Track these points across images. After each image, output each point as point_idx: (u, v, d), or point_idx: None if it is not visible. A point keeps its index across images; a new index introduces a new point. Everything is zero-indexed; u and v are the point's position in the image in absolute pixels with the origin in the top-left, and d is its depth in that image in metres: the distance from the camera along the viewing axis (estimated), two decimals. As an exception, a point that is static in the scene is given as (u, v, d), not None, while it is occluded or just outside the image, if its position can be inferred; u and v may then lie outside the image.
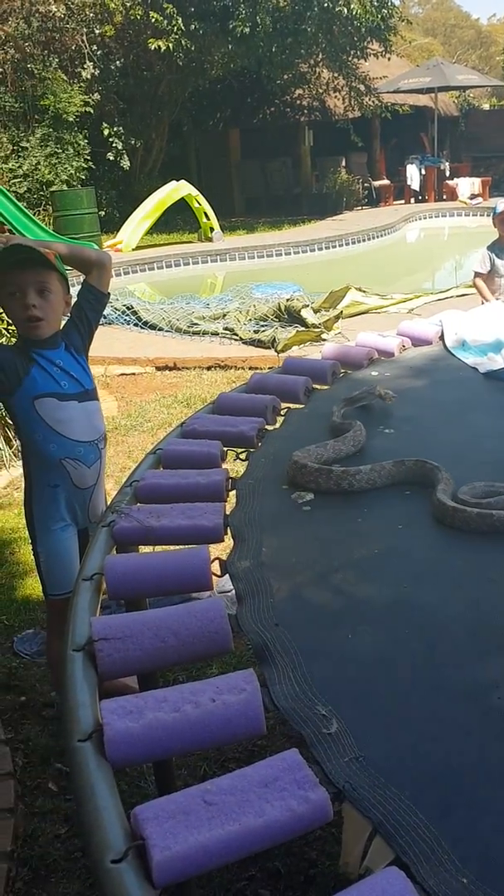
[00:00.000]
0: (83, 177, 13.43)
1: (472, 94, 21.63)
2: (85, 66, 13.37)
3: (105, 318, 7.47)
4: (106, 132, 14.05)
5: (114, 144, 14.18)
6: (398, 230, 14.32)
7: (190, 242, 13.33)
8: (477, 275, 4.88)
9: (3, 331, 4.42)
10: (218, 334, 6.74)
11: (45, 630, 2.80)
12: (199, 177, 16.85)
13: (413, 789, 0.83)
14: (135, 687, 1.80)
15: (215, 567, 1.31)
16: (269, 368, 2.64)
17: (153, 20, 12.66)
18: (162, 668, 1.15)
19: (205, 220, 13.08)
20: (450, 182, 17.14)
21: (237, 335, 6.58)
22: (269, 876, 1.84)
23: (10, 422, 4.28)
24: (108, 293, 2.28)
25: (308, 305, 6.77)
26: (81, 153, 13.43)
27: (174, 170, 15.41)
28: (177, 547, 1.42)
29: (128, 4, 13.08)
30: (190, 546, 1.37)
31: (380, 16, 13.37)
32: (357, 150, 18.03)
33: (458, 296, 7.39)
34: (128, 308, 7.56)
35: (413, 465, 1.59)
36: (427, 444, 1.79)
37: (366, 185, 17.65)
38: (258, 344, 6.31)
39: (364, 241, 13.10)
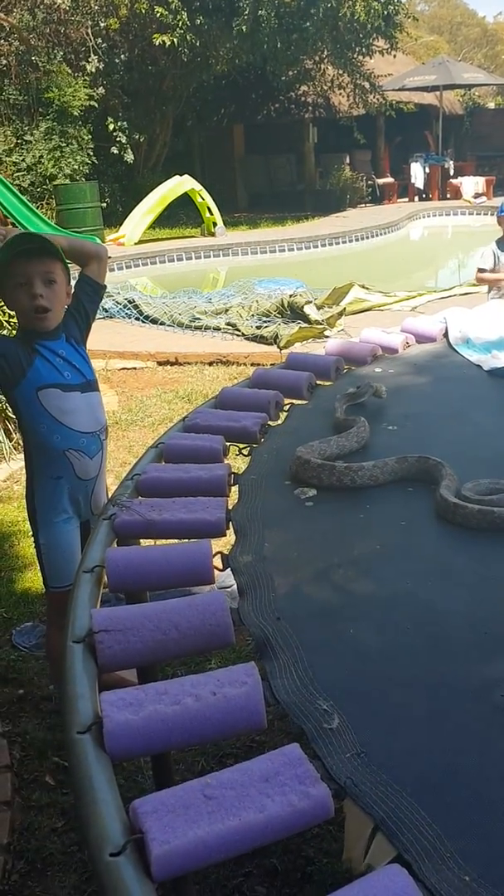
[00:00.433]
0: (87, 171, 13.41)
1: (477, 93, 21.56)
2: (90, 60, 13.34)
3: (106, 311, 7.46)
4: (110, 126, 14.02)
5: (118, 139, 14.15)
6: (402, 228, 14.29)
7: (193, 237, 13.30)
8: (480, 270, 4.89)
9: (5, 323, 4.40)
10: (220, 330, 6.72)
11: (44, 623, 2.79)
12: (203, 172, 16.82)
13: (415, 787, 0.82)
14: (133, 681, 1.80)
15: (217, 561, 1.31)
16: (271, 364, 2.63)
17: (158, 14, 12.63)
18: (162, 661, 1.14)
19: (208, 215, 13.05)
20: (454, 181, 17.11)
21: (239, 331, 6.56)
22: (265, 873, 1.83)
23: (10, 415, 4.28)
24: (105, 285, 2.28)
25: (311, 302, 6.75)
26: (85, 147, 13.41)
27: (178, 165, 15.38)
28: (178, 540, 1.41)
29: (133, -2, 13.07)
30: (192, 540, 1.36)
31: (385, 13, 13.33)
32: (361, 148, 18.02)
33: (461, 294, 7.37)
34: (129, 302, 7.54)
35: (416, 461, 1.58)
36: (430, 441, 1.78)
37: (369, 182, 17.61)
38: (260, 340, 6.30)
39: (367, 238, 13.08)
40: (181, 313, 7.16)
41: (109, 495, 1.96)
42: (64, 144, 13.09)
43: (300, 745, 0.86)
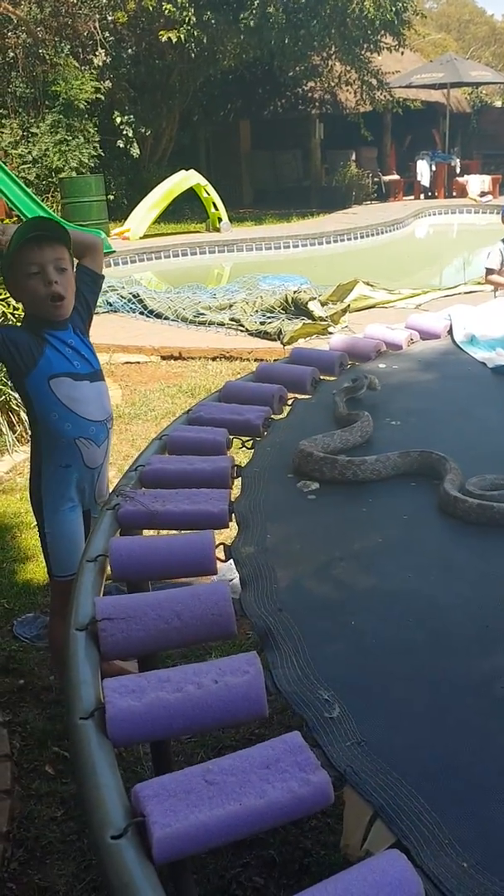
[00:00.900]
0: (92, 164, 13.39)
1: (484, 91, 21.50)
2: (97, 53, 13.32)
3: (111, 305, 7.46)
4: (117, 120, 14.01)
5: (124, 132, 14.13)
6: (407, 226, 14.28)
7: (198, 232, 13.29)
8: (489, 270, 4.90)
9: (9, 315, 4.41)
10: (224, 325, 6.72)
11: (46, 614, 2.80)
12: (209, 167, 16.80)
13: (414, 775, 0.83)
14: (134, 672, 1.81)
15: (219, 552, 1.31)
16: (274, 360, 2.63)
17: (165, 10, 12.60)
18: (164, 650, 1.15)
19: (213, 210, 13.04)
20: (460, 179, 17.09)
21: (243, 326, 6.56)
22: (263, 864, 1.84)
23: (14, 407, 4.29)
24: (104, 276, 2.29)
25: (315, 298, 6.75)
26: (91, 141, 13.39)
27: (184, 159, 15.37)
28: (181, 531, 1.42)
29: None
30: (195, 531, 1.36)
31: (393, 10, 13.29)
32: (367, 145, 17.97)
33: (465, 292, 7.36)
34: (134, 296, 7.54)
35: (419, 456, 1.59)
36: (434, 437, 1.78)
37: (375, 179, 17.58)
38: (264, 335, 6.30)
39: (373, 235, 13.07)
40: (185, 308, 7.16)
41: (111, 487, 1.97)
42: (70, 137, 13.08)
43: (301, 734, 0.87)
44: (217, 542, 1.31)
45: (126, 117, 14.17)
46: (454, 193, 17.15)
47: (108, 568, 1.27)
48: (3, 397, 4.26)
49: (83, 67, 13.42)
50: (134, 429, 4.62)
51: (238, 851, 1.86)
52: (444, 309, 2.78)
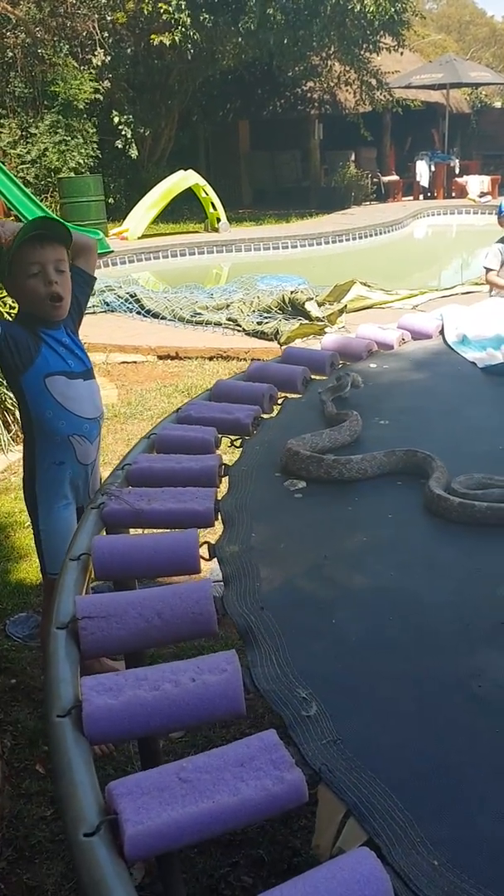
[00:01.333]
0: (91, 164, 13.39)
1: (484, 92, 21.51)
2: (96, 53, 13.32)
3: (108, 305, 7.46)
4: (115, 120, 14.00)
5: (122, 132, 14.13)
6: (406, 226, 14.27)
7: (196, 232, 13.29)
8: (488, 270, 4.90)
9: (5, 314, 4.41)
10: (221, 325, 6.72)
11: (38, 613, 2.80)
12: (208, 167, 16.80)
13: (389, 773, 0.83)
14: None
15: (204, 551, 1.31)
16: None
17: (162, 10, 12.59)
18: (145, 648, 1.15)
19: (212, 210, 13.04)
20: (459, 179, 17.08)
21: (240, 326, 6.56)
22: (252, 863, 1.84)
23: (9, 407, 4.29)
24: (95, 277, 2.32)
25: (312, 298, 6.75)
26: (90, 141, 13.39)
27: (183, 159, 15.36)
28: (167, 530, 1.42)
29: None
30: (179, 530, 1.36)
31: (393, 10, 13.29)
32: (367, 145, 17.97)
33: (463, 293, 7.36)
34: (131, 296, 7.54)
35: (404, 455, 1.59)
36: (423, 436, 1.78)
37: (374, 180, 17.58)
38: (261, 335, 6.30)
39: (371, 236, 13.07)
40: (182, 308, 7.16)
41: (103, 483, 1.98)
42: (69, 138, 13.08)
43: (277, 732, 0.87)
44: (202, 541, 1.31)
45: (125, 117, 14.17)
46: (453, 194, 17.15)
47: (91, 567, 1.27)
48: (-1, 396, 4.26)
49: (82, 67, 13.42)
50: (130, 428, 4.62)
51: (227, 851, 1.86)
52: (437, 309, 2.78)
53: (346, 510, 1.46)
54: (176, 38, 12.75)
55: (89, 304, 2.66)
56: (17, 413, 4.28)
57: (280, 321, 6.43)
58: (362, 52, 14.78)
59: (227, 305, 7.10)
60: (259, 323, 6.51)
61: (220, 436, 1.79)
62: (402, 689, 0.98)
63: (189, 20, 12.60)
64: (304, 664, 1.02)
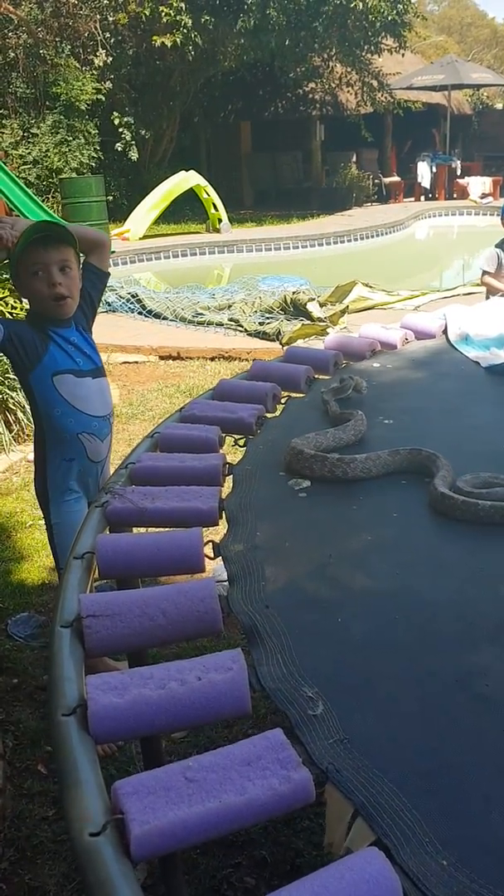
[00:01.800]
0: (93, 165, 13.40)
1: (485, 93, 21.52)
2: (97, 54, 13.33)
3: (109, 305, 7.46)
4: (117, 121, 14.01)
5: (123, 134, 14.14)
6: (407, 227, 14.27)
7: (198, 233, 13.30)
8: (485, 273, 4.88)
9: (7, 314, 4.41)
10: (223, 325, 6.72)
11: (40, 613, 2.80)
12: (209, 168, 16.81)
13: (396, 773, 0.82)
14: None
15: (208, 549, 1.30)
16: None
17: (162, 13, 12.60)
18: (150, 647, 1.14)
19: (213, 211, 13.04)
20: (461, 181, 17.09)
21: (242, 327, 6.56)
22: (255, 864, 1.83)
23: (11, 407, 4.29)
24: (109, 273, 2.33)
25: (314, 299, 6.75)
26: (92, 141, 13.40)
27: (184, 160, 15.38)
28: (170, 529, 1.41)
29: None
30: (183, 528, 1.36)
31: (395, 11, 13.30)
32: (368, 146, 17.98)
33: (464, 294, 7.36)
34: (132, 296, 7.54)
35: (409, 454, 1.58)
36: (427, 435, 1.78)
37: (376, 181, 17.59)
38: (263, 336, 6.29)
39: (372, 237, 13.07)
40: (184, 308, 7.16)
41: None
42: (70, 138, 13.09)
43: (283, 731, 0.86)
44: (207, 540, 1.31)
45: (126, 119, 14.17)
46: (455, 195, 17.15)
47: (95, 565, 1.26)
48: (1, 396, 4.25)
49: (84, 68, 13.44)
50: (132, 429, 4.61)
51: (229, 852, 1.86)
52: (439, 309, 2.77)
53: (351, 509, 1.46)
54: (177, 39, 12.77)
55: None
56: (19, 413, 4.29)
57: (282, 322, 6.43)
58: (364, 54, 14.79)
59: (229, 306, 7.10)
60: (261, 323, 6.51)
61: (223, 435, 1.78)
62: (407, 688, 0.97)
63: (190, 21, 12.61)
64: (309, 663, 1.01)
